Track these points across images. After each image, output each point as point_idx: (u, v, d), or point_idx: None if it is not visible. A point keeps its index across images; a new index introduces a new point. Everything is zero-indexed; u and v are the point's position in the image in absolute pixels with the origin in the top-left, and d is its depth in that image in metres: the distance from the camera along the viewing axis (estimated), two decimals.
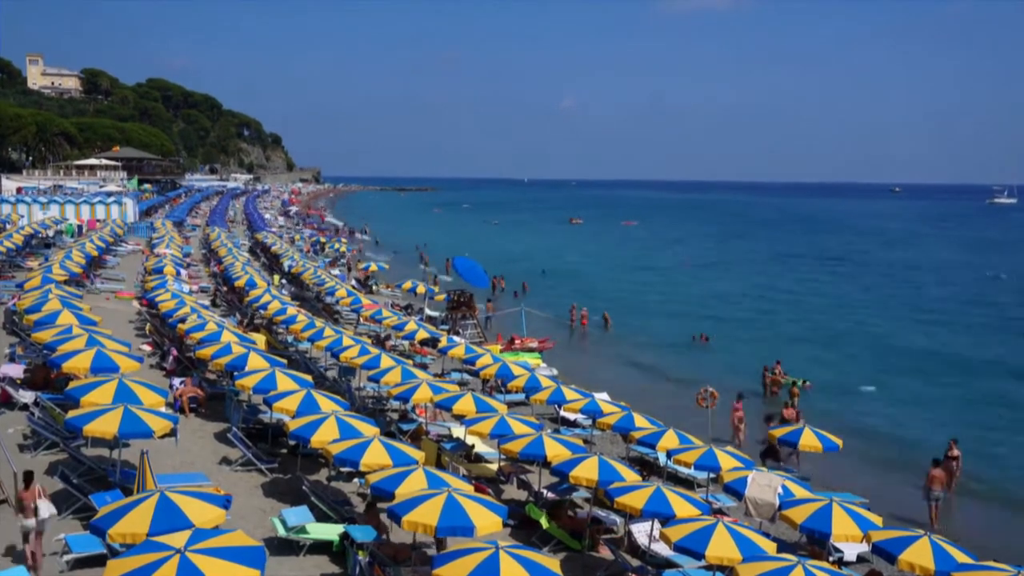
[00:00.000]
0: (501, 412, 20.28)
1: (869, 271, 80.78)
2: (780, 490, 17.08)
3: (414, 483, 14.57)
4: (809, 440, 20.69)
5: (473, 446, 22.61)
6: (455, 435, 23.46)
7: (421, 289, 47.03)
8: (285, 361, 24.32)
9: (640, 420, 21.79)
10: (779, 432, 21.62)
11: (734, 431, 27.23)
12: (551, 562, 12.16)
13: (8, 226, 60.31)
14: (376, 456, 16.14)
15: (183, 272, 45.31)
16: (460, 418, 21.53)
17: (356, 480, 19.21)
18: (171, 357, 27.27)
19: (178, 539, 10.68)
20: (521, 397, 26.37)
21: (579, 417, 25.72)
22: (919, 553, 13.39)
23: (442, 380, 24.98)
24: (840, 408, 32.49)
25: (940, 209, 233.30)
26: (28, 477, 14.17)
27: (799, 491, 17.31)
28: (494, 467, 21.52)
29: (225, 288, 43.97)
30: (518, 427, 19.38)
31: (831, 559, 16.86)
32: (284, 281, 49.11)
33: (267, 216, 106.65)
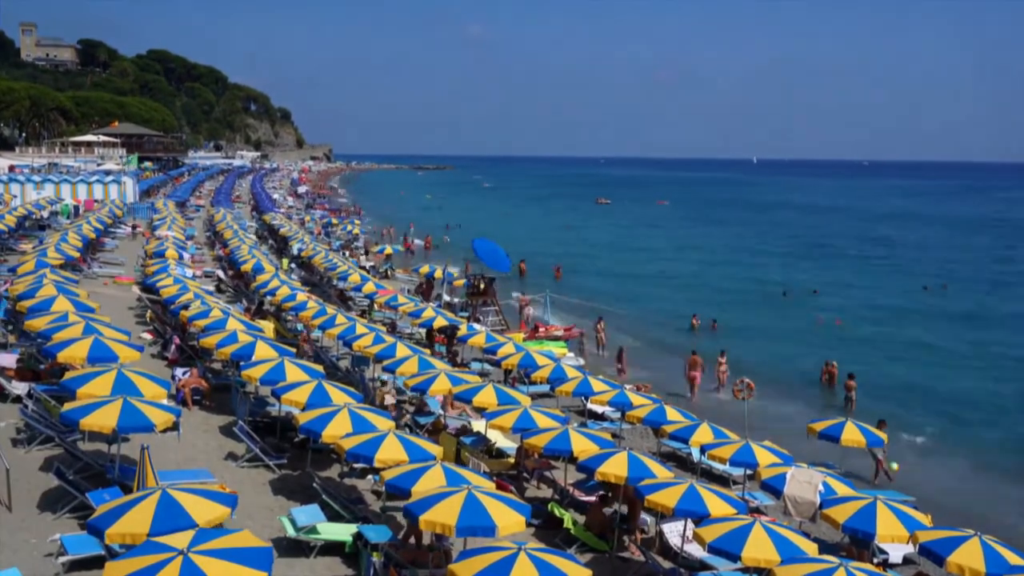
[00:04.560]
0: (524, 404, 20.33)
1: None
2: (821, 487, 17.09)
3: (432, 480, 14.64)
4: (852, 434, 20.65)
5: (495, 441, 22.70)
6: (475, 429, 23.55)
7: (439, 274, 47.10)
8: (294, 350, 24.49)
9: (672, 413, 21.80)
10: (819, 426, 21.58)
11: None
12: (581, 572, 12.09)
13: (0, 207, 60.85)
14: (391, 451, 16.22)
15: (186, 256, 45.64)
16: (480, 411, 21.62)
17: (370, 477, 19.34)
18: (173, 346, 27.49)
19: (181, 539, 10.80)
20: (546, 388, 26.44)
21: (607, 410, 25.75)
22: (969, 555, 13.38)
23: (461, 370, 25.06)
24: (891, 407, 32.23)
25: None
26: None
27: (841, 488, 17.31)
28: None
29: (231, 272, 44.27)
30: (542, 420, 19.42)
31: (875, 561, 16.85)
32: (293, 265, 49.36)
33: (275, 196, 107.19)
